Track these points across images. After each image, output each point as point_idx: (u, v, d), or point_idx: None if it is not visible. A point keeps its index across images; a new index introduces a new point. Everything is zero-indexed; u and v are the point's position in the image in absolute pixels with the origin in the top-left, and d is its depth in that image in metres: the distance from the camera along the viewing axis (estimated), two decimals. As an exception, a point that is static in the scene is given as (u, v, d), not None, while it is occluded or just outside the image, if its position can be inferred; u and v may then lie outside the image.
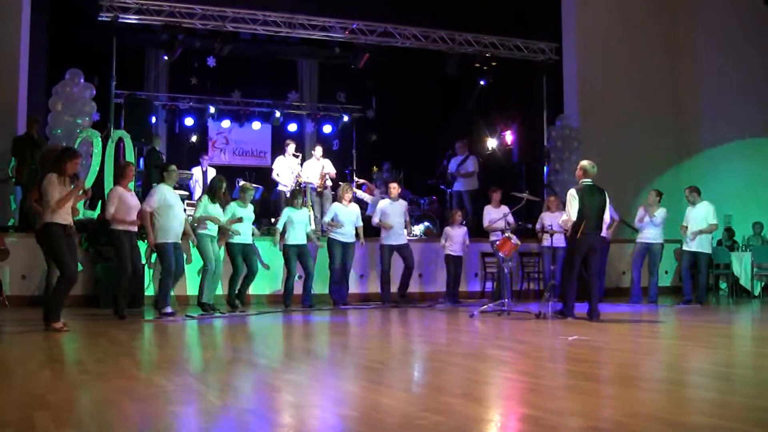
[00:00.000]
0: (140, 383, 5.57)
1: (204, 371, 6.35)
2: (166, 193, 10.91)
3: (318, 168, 15.49)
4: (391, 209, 13.45)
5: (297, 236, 12.63)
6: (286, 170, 15.68)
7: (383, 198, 14.21)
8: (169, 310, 10.77)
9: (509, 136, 19.02)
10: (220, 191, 11.79)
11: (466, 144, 17.10)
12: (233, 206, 12.02)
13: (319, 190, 15.32)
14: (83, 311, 11.41)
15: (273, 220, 14.50)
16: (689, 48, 18.55)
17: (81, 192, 9.19)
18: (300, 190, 13.34)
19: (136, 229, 10.76)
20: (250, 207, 12.34)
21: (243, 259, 12.12)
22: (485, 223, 13.85)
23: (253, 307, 12.49)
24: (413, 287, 14.05)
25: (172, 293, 11.28)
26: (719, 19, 17.77)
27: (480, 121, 18.79)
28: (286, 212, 12.73)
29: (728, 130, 17.38)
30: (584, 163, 10.91)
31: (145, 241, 11.25)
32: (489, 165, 17.60)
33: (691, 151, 18.25)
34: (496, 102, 18.57)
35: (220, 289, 12.36)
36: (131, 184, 11.33)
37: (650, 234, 13.71)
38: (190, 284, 12.87)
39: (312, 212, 14.43)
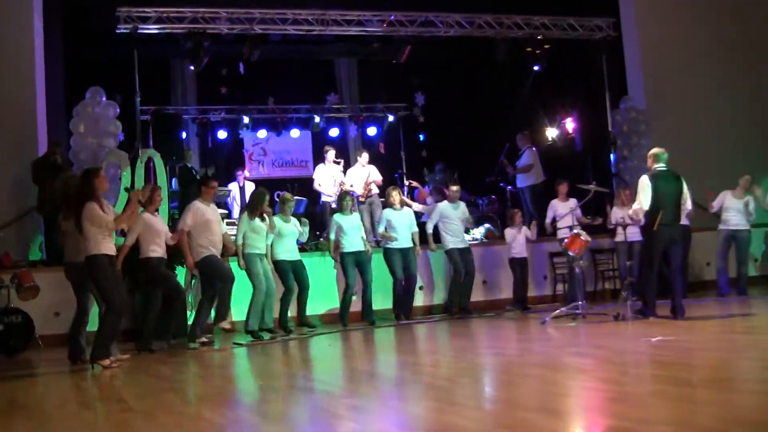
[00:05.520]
0: (188, 419, 5.60)
1: (258, 402, 6.37)
2: (202, 209, 11.02)
3: (363, 175, 15.49)
4: (451, 212, 13.44)
5: (352, 243, 12.63)
6: (328, 179, 15.68)
7: (435, 203, 14.23)
8: (204, 339, 10.88)
9: (570, 124, 18.84)
10: (262, 206, 11.78)
11: (527, 136, 16.98)
12: (275, 222, 12.05)
13: (362, 199, 15.30)
14: (122, 346, 11.51)
15: (318, 233, 14.52)
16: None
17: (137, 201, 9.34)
18: (346, 194, 13.26)
19: (165, 255, 10.87)
20: (293, 220, 12.37)
21: (294, 276, 12.15)
22: (547, 220, 13.80)
23: (307, 329, 12.46)
24: (477, 295, 13.98)
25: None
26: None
27: (537, 109, 18.65)
28: (335, 220, 12.74)
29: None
30: (653, 150, 10.85)
31: (184, 265, 11.34)
32: (551, 157, 17.45)
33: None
34: (554, 88, 18.40)
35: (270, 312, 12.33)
36: (164, 210, 11.43)
37: (736, 220, 13.52)
38: (235, 309, 12.86)
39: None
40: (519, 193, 16.75)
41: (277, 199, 15.47)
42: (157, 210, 11.01)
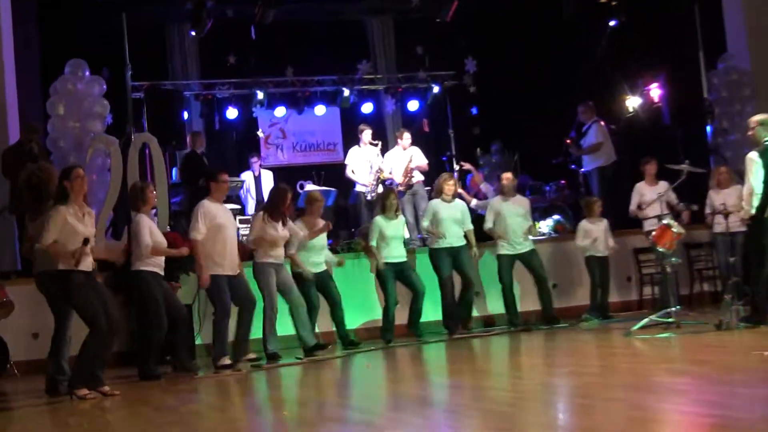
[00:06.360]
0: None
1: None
2: (213, 211, 10.98)
3: (404, 160, 15.43)
4: (507, 209, 13.31)
5: (392, 252, 12.60)
6: (363, 164, 15.65)
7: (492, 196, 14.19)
8: (227, 362, 10.83)
9: (656, 91, 18.67)
10: (284, 205, 11.75)
11: (592, 108, 16.78)
12: (299, 229, 11.97)
13: (401, 188, 15.22)
14: (117, 372, 11.55)
15: (353, 230, 14.47)
16: None
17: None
18: (391, 192, 13.18)
19: (162, 270, 10.85)
20: (321, 223, 12.29)
21: (320, 291, 12.12)
22: (632, 207, 13.64)
23: (339, 347, 12.44)
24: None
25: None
26: None
27: (615, 75, 18.52)
28: (378, 224, 12.67)
29: None
30: (759, 117, 10.70)
31: (190, 274, 11.36)
32: (633, 131, 17.31)
33: None
34: (635, 48, 18.28)
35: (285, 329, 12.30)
36: (163, 208, 11.44)
37: None
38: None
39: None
40: (587, 176, 16.57)
41: (300, 191, 15.54)
42: (154, 211, 11.01)
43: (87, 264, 9.08)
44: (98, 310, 9.05)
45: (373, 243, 12.60)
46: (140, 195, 10.84)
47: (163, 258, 10.73)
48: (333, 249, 13.33)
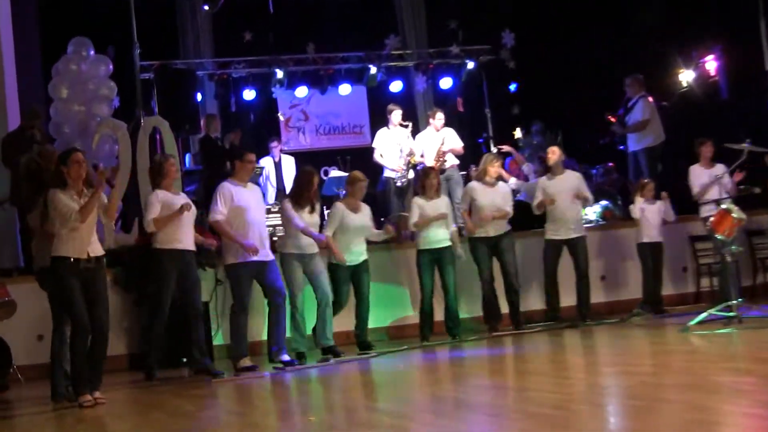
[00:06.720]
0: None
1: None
2: (235, 192, 10.92)
3: (437, 142, 15.41)
4: (556, 186, 13.29)
5: (431, 238, 12.48)
6: (393, 148, 15.64)
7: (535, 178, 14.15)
8: (248, 363, 10.87)
9: (712, 64, 18.65)
10: (309, 191, 11.74)
11: (640, 81, 16.64)
12: (340, 210, 11.97)
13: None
14: (127, 377, 11.61)
15: (382, 219, 14.49)
16: None
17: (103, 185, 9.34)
18: (430, 170, 13.08)
19: (192, 247, 10.86)
20: (366, 209, 12.28)
21: (352, 282, 12.13)
22: (695, 188, 13.54)
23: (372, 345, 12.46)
24: (595, 296, 13.89)
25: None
26: None
27: (666, 46, 18.47)
28: (416, 204, 12.63)
29: None
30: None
31: (206, 269, 11.42)
32: (687, 108, 17.26)
33: None
34: (688, 16, 18.23)
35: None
36: (178, 184, 11.41)
37: None
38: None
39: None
40: (633, 157, 16.41)
41: (325, 178, 15.55)
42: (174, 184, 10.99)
43: (76, 250, 9.03)
44: (79, 306, 9.02)
45: (414, 219, 12.52)
46: (158, 169, 10.89)
47: (185, 231, 10.68)
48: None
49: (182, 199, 10.87)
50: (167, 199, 10.63)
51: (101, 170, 9.43)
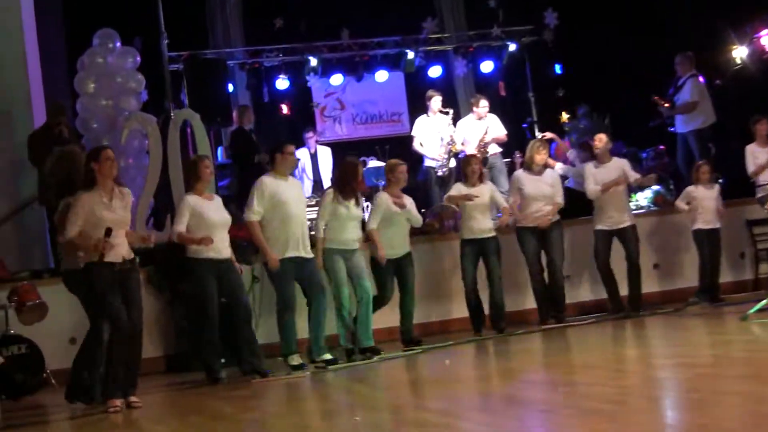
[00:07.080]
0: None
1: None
2: (274, 187, 10.86)
3: (480, 130, 15.38)
4: (603, 175, 13.17)
5: (474, 227, 12.51)
6: (433, 136, 15.64)
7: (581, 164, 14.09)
8: (298, 361, 10.83)
9: (766, 39, 18.52)
10: (355, 180, 11.61)
11: (691, 59, 16.52)
12: (384, 201, 11.89)
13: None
14: (163, 379, 11.64)
15: (423, 210, 14.45)
16: None
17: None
18: (472, 158, 13.06)
19: (227, 254, 10.82)
20: (409, 200, 12.18)
21: (396, 276, 12.11)
22: (751, 168, 13.43)
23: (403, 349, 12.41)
24: (648, 285, 13.80)
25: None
26: None
27: (718, 21, 18.35)
28: (455, 189, 12.68)
29: None
30: None
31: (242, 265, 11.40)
32: (740, 85, 17.13)
33: None
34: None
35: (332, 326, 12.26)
36: (210, 188, 11.38)
37: None
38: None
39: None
40: (682, 140, 16.27)
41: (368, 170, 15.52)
42: (210, 190, 10.98)
43: (116, 255, 9.11)
44: (118, 306, 9.08)
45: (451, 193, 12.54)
46: (192, 170, 10.89)
47: (218, 240, 10.53)
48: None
49: (214, 206, 10.77)
50: (197, 208, 10.56)
51: (145, 236, 9.62)
